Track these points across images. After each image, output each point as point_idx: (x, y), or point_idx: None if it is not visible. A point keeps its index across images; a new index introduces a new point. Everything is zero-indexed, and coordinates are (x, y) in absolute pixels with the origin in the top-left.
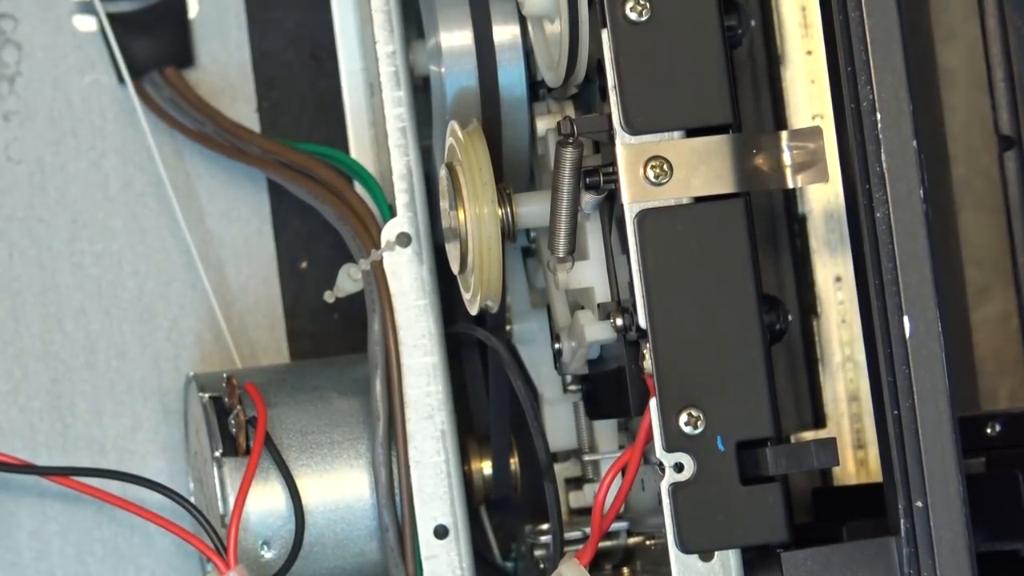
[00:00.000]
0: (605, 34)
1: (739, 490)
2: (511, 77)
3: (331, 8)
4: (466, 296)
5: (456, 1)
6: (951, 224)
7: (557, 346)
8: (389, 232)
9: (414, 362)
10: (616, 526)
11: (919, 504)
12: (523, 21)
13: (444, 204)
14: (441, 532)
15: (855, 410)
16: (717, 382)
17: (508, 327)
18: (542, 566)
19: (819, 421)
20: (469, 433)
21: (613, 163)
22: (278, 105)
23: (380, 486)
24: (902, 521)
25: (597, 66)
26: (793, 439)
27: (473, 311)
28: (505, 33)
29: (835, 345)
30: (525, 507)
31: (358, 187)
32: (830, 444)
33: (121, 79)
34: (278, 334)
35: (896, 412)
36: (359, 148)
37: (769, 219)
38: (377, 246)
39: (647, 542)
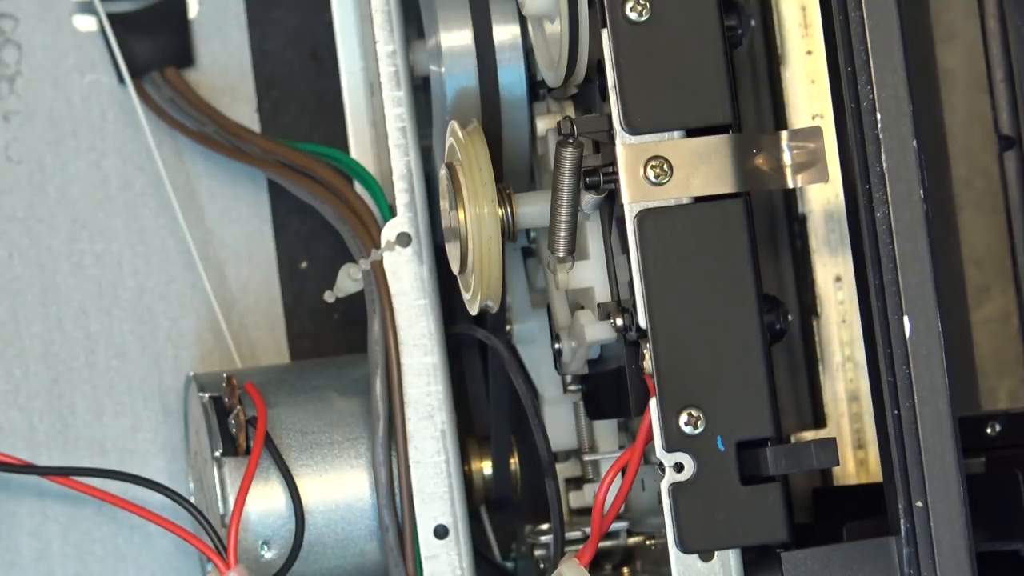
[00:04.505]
0: (605, 34)
1: (739, 490)
2: (511, 77)
3: (331, 8)
4: (466, 296)
5: (456, 1)
6: (951, 224)
7: (557, 346)
8: (389, 232)
9: (414, 362)
10: (616, 526)
11: (919, 504)
12: (523, 21)
13: (444, 204)
14: (441, 532)
15: (855, 410)
16: (717, 382)
17: (508, 327)
18: (542, 566)
19: (819, 421)
20: (469, 433)
21: (613, 163)
22: (278, 105)
23: (380, 486)
24: (902, 521)
25: (597, 66)
26: (793, 439)
27: (473, 311)
28: (505, 33)
29: (835, 345)
30: (525, 507)
31: (358, 187)
32: (830, 444)
33: (121, 79)
34: (278, 334)
35: (896, 412)
36: (359, 148)
37: (769, 219)
38: (377, 246)
39: (647, 542)
